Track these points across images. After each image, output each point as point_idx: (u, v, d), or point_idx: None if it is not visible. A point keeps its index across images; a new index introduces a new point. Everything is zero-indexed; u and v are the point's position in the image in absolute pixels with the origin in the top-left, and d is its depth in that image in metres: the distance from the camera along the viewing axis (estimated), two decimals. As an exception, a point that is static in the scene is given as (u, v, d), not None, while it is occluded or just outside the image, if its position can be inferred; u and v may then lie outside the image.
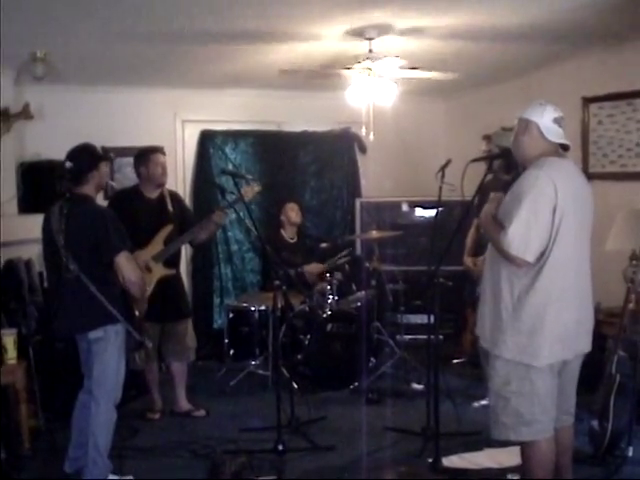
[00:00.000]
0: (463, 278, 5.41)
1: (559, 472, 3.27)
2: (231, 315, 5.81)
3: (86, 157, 3.79)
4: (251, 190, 4.71)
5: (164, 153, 4.91)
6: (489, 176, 3.81)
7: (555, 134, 3.13)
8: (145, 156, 4.81)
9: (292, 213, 6.42)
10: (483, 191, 3.64)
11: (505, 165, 4.38)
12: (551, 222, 2.98)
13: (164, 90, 6.35)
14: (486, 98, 6.88)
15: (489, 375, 3.21)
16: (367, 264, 6.14)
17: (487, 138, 5.20)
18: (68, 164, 3.76)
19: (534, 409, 3.07)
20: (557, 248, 3.00)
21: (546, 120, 3.11)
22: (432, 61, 5.04)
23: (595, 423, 4.02)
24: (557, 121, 3.13)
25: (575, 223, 3.04)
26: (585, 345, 3.21)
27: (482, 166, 3.69)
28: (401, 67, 4.97)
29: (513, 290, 3.07)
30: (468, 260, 5.05)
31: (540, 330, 3.02)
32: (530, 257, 2.98)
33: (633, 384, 4.02)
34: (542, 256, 3.01)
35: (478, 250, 4.83)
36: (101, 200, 4.51)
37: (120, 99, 6.20)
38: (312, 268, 6.19)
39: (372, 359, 5.80)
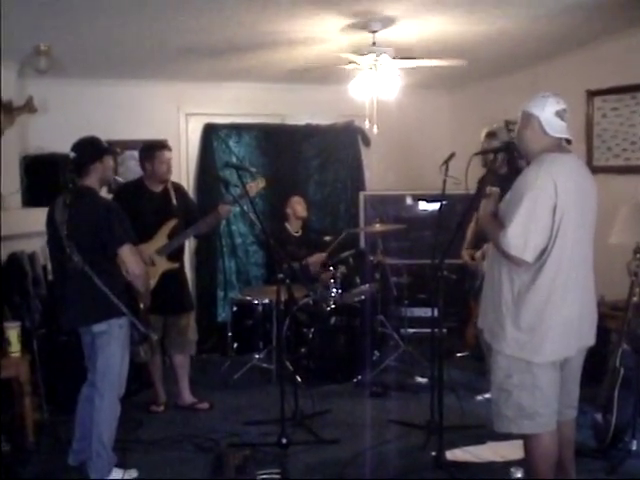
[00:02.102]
0: (464, 271, 5.40)
1: (562, 465, 3.27)
2: (235, 308, 5.80)
3: (90, 149, 3.80)
4: (256, 186, 4.72)
5: (170, 149, 4.89)
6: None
7: (557, 128, 3.08)
8: (151, 152, 4.79)
9: (298, 207, 6.40)
10: (481, 185, 3.62)
11: (506, 159, 4.35)
12: (551, 221, 2.96)
13: (167, 83, 6.35)
14: (490, 91, 6.85)
15: (491, 368, 3.21)
16: (371, 257, 6.13)
17: (492, 135, 5.09)
18: (72, 155, 3.78)
19: (535, 402, 3.07)
20: (558, 246, 2.98)
21: (547, 114, 3.06)
22: (436, 54, 5.01)
23: (599, 416, 4.01)
24: (559, 114, 3.07)
25: (577, 219, 3.02)
26: (588, 339, 3.20)
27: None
28: (404, 59, 4.95)
29: (513, 287, 3.06)
30: (465, 253, 5.03)
31: (540, 327, 3.01)
32: (529, 257, 2.98)
33: (637, 377, 4.01)
34: (542, 254, 2.99)
35: (478, 243, 4.82)
36: (105, 194, 4.50)
37: (123, 92, 6.20)
38: (315, 258, 6.19)
39: (376, 352, 5.80)
